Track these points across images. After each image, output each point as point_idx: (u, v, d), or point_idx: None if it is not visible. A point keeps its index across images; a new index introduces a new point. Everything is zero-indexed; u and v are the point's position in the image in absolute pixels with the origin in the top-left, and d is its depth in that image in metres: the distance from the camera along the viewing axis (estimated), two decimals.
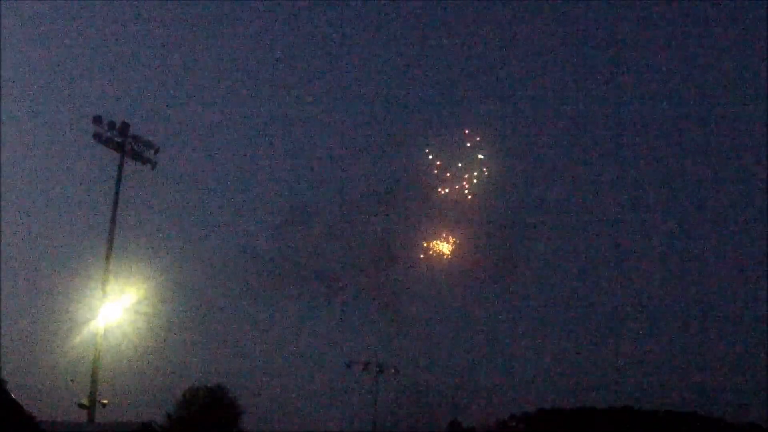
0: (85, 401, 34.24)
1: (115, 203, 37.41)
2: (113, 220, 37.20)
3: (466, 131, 44.17)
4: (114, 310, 36.44)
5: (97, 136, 37.21)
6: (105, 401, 34.75)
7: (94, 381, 34.82)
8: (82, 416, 34.12)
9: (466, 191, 44.15)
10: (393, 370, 49.79)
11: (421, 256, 45.99)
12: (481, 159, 43.97)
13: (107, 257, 36.78)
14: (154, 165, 38.62)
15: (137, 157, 38.09)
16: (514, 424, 61.43)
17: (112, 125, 37.43)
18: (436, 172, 44.32)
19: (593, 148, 44.57)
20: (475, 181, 43.94)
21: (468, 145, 44.08)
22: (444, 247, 45.49)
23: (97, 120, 37.25)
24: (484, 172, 43.99)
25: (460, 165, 44.19)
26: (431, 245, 45.68)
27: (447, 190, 44.48)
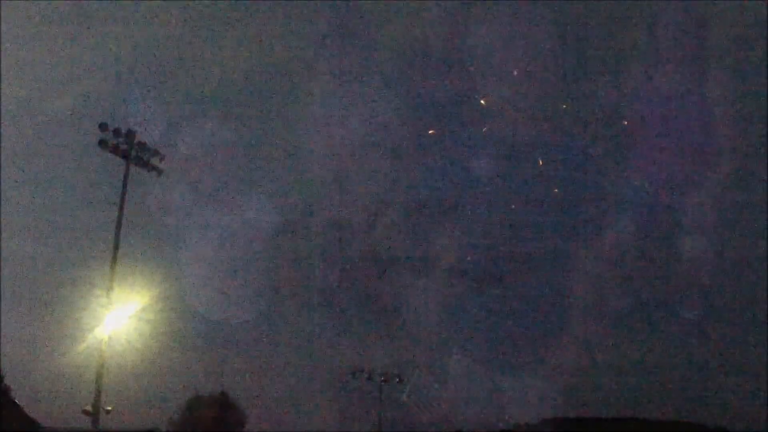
0: (89, 408, 34.28)
1: (121, 210, 37.50)
2: (118, 227, 37.28)
3: None
4: (119, 317, 36.49)
5: (102, 143, 37.34)
6: (110, 408, 34.80)
7: (98, 388, 34.85)
8: (87, 423, 34.15)
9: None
10: (397, 380, 49.57)
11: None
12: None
13: (112, 264, 36.84)
14: (160, 172, 38.77)
15: (143, 164, 38.20)
16: None
17: (117, 132, 37.56)
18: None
19: (592, 145, 44.15)
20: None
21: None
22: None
23: (103, 127, 37.38)
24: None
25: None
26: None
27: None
